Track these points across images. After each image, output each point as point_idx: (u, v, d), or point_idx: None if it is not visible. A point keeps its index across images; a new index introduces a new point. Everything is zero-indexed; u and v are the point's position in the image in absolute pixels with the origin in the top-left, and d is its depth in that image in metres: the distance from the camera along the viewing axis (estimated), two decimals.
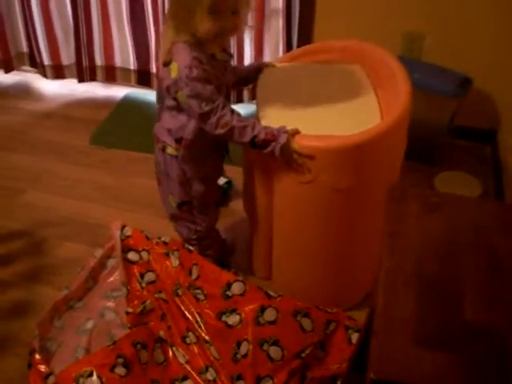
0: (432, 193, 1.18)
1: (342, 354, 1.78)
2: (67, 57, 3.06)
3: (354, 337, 1.81)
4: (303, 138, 1.52)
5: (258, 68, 1.86)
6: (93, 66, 3.03)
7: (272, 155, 1.54)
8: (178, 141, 1.66)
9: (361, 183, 1.58)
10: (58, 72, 3.10)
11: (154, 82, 3.01)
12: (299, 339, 1.72)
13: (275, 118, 1.61)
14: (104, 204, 2.42)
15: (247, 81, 1.91)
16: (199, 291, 1.81)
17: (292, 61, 1.88)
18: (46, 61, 3.05)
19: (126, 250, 1.98)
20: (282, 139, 1.52)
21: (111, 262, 2.02)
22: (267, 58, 2.79)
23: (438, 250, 0.99)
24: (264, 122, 1.59)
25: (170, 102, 1.63)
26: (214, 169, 1.83)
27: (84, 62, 3.00)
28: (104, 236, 2.10)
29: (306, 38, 2.68)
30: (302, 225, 1.74)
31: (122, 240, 1.98)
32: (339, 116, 1.63)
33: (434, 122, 2.39)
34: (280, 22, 2.68)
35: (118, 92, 3.15)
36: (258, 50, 2.76)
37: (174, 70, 1.52)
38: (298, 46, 2.67)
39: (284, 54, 1.87)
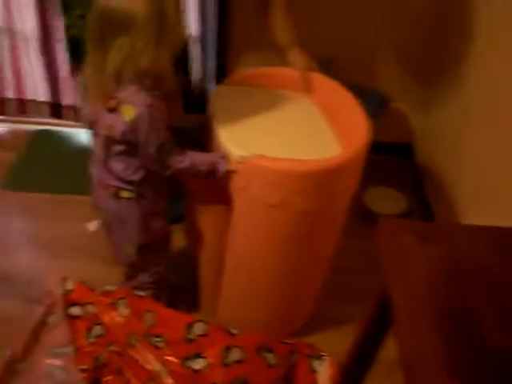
0: (424, 223, 1.20)
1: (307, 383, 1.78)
2: None
3: (317, 364, 1.81)
4: (274, 160, 1.51)
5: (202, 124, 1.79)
6: (2, 100, 2.87)
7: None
8: (138, 182, 1.60)
9: (326, 207, 1.60)
10: None
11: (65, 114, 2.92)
12: (267, 375, 1.69)
13: (237, 141, 1.60)
14: (30, 254, 2.26)
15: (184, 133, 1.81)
16: (158, 339, 1.73)
17: (234, 84, 1.87)
18: None
19: (68, 304, 1.85)
20: (222, 167, 1.55)
21: (53, 319, 1.88)
22: None
23: (443, 281, 1.00)
24: (227, 145, 1.58)
25: (120, 148, 1.54)
26: None
27: None
28: (37, 289, 1.96)
29: (222, 65, 2.69)
30: (262, 249, 1.72)
31: (64, 295, 1.86)
32: (297, 142, 1.66)
33: None
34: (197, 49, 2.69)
35: (25, 130, 2.96)
36: None
37: (129, 113, 1.44)
38: (217, 74, 2.69)
39: (227, 77, 1.87)
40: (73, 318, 1.84)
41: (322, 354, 1.82)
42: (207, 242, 1.85)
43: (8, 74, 2.80)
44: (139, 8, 1.37)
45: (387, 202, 2.47)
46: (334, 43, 2.55)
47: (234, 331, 1.75)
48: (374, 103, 2.48)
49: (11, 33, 2.67)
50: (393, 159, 2.80)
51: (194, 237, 1.90)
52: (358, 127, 1.62)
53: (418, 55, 2.55)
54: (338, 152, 1.59)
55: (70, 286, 1.87)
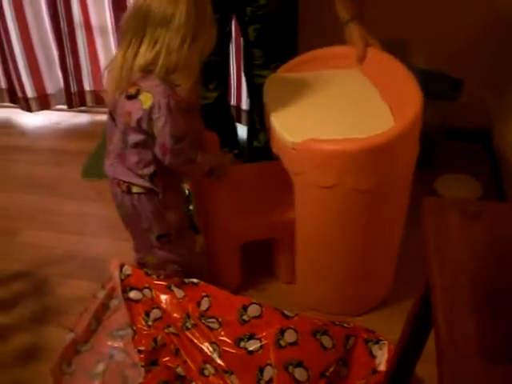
0: (469, 202, 1.14)
1: (365, 367, 1.75)
2: (52, 86, 2.99)
3: (375, 349, 1.77)
4: (323, 143, 1.54)
5: None
6: (81, 92, 2.99)
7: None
8: (148, 176, 1.63)
9: (381, 184, 1.60)
10: (43, 103, 3.03)
11: None
12: (322, 358, 1.68)
13: (290, 127, 1.63)
14: (103, 237, 2.37)
15: None
16: (213, 320, 1.76)
17: (295, 68, 1.91)
18: (30, 94, 2.98)
19: (127, 289, 1.89)
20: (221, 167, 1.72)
21: (114, 303, 1.96)
22: None
23: (488, 262, 0.95)
24: (279, 129, 1.64)
25: (136, 138, 1.58)
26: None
27: (72, 88, 2.95)
28: (107, 270, 2.01)
29: None
30: (324, 231, 1.75)
31: (122, 280, 1.90)
32: (352, 120, 1.67)
33: (429, 126, 2.37)
34: None
35: (104, 120, 3.05)
36: None
37: (147, 101, 1.49)
38: None
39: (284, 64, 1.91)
40: (132, 301, 1.88)
41: (381, 338, 1.78)
42: None
43: (86, 67, 2.92)
44: (179, 7, 1.41)
45: (460, 188, 2.36)
46: (405, 27, 2.48)
47: (289, 313, 1.75)
48: (448, 85, 2.39)
49: (87, 26, 2.77)
50: (469, 146, 2.68)
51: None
52: (411, 102, 1.60)
53: (494, 37, 2.42)
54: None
55: (128, 271, 1.91)
